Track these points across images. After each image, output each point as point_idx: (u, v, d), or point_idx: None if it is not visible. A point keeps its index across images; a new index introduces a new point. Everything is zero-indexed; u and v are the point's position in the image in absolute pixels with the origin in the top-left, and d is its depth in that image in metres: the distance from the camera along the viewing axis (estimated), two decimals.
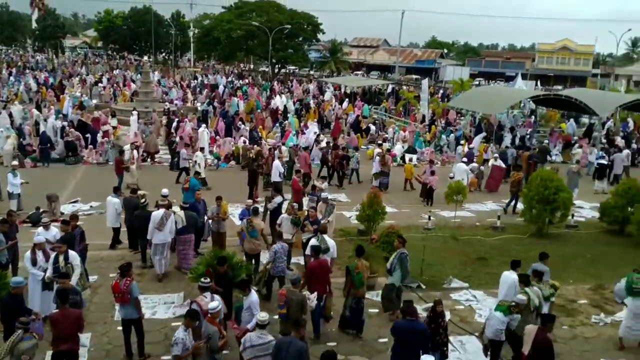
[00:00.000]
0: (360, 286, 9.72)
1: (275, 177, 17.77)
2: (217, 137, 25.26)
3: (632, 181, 17.08)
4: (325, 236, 10.74)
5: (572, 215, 16.65)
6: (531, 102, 36.96)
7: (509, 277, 9.73)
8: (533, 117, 36.25)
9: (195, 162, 19.46)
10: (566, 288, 12.02)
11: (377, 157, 20.34)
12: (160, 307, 10.51)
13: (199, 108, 33.90)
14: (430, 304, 10.14)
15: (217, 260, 9.53)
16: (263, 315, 7.33)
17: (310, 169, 20.00)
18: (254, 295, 8.39)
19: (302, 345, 7.09)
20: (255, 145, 22.64)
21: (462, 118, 34.70)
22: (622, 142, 27.43)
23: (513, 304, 8.68)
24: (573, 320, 10.81)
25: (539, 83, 58.72)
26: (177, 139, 22.51)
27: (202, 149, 21.07)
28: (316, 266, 9.66)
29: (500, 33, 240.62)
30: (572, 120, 33.52)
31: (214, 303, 7.67)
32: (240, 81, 53.92)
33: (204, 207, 13.08)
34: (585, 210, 18.68)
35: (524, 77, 55.10)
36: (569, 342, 9.96)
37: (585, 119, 35.71)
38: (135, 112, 26.20)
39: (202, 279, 8.47)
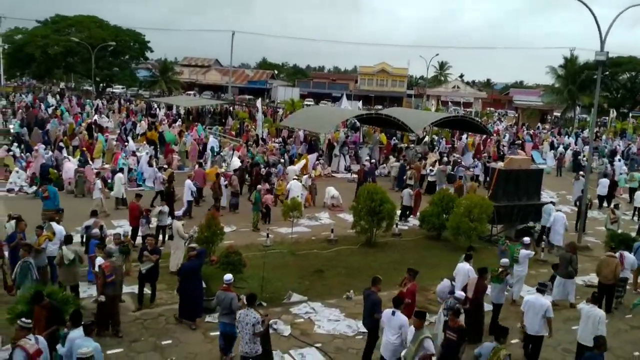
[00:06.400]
0: None
1: (188, 197, 18.21)
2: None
3: (445, 191, 19.18)
4: None
5: (396, 224, 18.15)
6: (356, 120, 39.59)
7: (463, 267, 11.49)
8: (359, 133, 38.88)
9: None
10: (393, 292, 13.02)
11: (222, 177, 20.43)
12: None
13: (12, 130, 30.75)
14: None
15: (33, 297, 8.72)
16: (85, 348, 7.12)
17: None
18: (81, 331, 7.82)
19: None
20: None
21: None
22: (437, 156, 30.62)
23: (500, 270, 11.17)
24: None
25: (361, 103, 63.03)
26: None
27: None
28: None
29: (325, 55, 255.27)
30: (394, 137, 36.67)
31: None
32: (59, 100, 49.79)
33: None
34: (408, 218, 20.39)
35: (348, 97, 58.68)
36: None
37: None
38: None
39: (23, 319, 7.62)
